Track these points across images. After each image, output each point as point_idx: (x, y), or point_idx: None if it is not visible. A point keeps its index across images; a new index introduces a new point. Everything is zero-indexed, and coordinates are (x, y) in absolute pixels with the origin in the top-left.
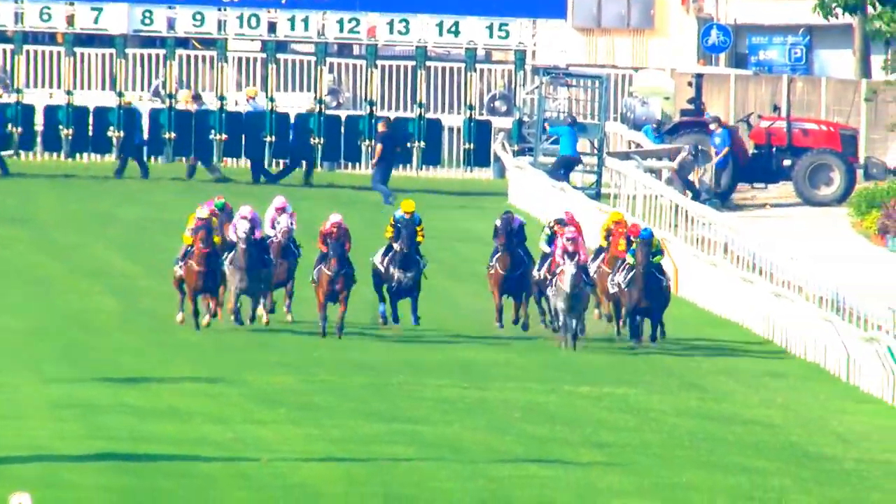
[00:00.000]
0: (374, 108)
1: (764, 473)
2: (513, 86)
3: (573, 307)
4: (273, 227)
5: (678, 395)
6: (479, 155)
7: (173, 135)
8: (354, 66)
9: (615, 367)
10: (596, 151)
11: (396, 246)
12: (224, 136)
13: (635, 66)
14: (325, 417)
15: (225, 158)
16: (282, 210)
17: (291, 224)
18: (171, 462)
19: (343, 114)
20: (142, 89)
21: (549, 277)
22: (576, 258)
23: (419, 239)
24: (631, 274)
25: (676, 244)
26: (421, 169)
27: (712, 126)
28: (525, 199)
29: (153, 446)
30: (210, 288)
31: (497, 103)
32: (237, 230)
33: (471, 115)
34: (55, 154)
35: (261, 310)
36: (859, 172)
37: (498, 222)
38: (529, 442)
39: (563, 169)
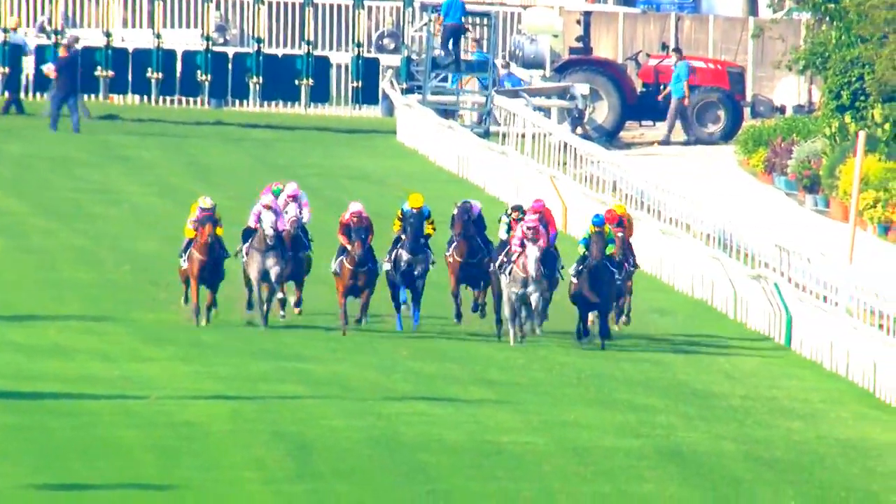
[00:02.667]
0: (261, 46)
1: (652, 410)
2: (401, 23)
3: (531, 296)
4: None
5: (566, 334)
6: (368, 93)
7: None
8: (242, 2)
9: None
10: (485, 90)
11: (404, 237)
12: (111, 73)
13: (524, 3)
14: (213, 355)
15: (111, 95)
16: (293, 198)
17: (300, 214)
18: (58, 400)
19: (230, 51)
20: (27, 25)
21: (504, 264)
22: (538, 243)
23: (429, 231)
24: (582, 265)
25: (565, 182)
26: (309, 106)
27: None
28: (413, 137)
29: (39, 384)
30: (211, 280)
31: (385, 41)
32: (262, 222)
33: (359, 52)
34: None
35: (280, 304)
36: (746, 110)
37: (455, 210)
38: (418, 380)
39: (451, 37)
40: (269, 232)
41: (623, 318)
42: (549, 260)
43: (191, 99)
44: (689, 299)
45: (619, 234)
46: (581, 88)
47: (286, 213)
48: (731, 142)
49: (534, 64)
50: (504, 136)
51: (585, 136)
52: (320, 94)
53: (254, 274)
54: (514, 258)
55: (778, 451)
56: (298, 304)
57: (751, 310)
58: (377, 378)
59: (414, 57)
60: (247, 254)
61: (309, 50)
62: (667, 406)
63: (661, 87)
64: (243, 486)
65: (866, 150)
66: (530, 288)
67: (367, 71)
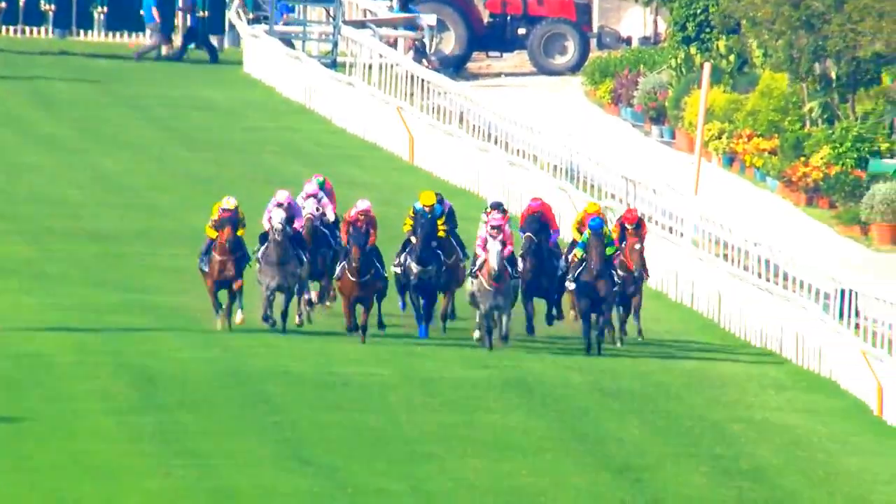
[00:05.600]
0: None
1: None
2: None
3: (498, 300)
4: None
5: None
6: (214, 23)
7: None
8: None
9: None
10: (332, 20)
11: (414, 240)
12: None
13: None
14: (58, 287)
15: None
16: (314, 196)
17: (318, 209)
18: None
19: None
20: None
21: (472, 267)
22: (500, 237)
23: (441, 234)
24: (580, 269)
25: (412, 113)
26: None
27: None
28: (260, 68)
29: None
30: (231, 281)
31: None
32: (272, 220)
33: None
34: None
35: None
36: (593, 41)
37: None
38: None
39: None
40: (278, 226)
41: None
42: (514, 265)
43: (34, 28)
44: None
45: (636, 246)
46: (428, 19)
47: (303, 208)
48: (578, 73)
49: None
50: (351, 66)
51: (432, 68)
52: (165, 25)
53: (267, 285)
54: (478, 265)
55: (624, 382)
56: (321, 299)
57: None
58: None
59: None
60: (261, 257)
61: None
62: (514, 337)
63: (508, 17)
64: (88, 418)
65: (711, 82)
66: (499, 300)
67: (214, 1)
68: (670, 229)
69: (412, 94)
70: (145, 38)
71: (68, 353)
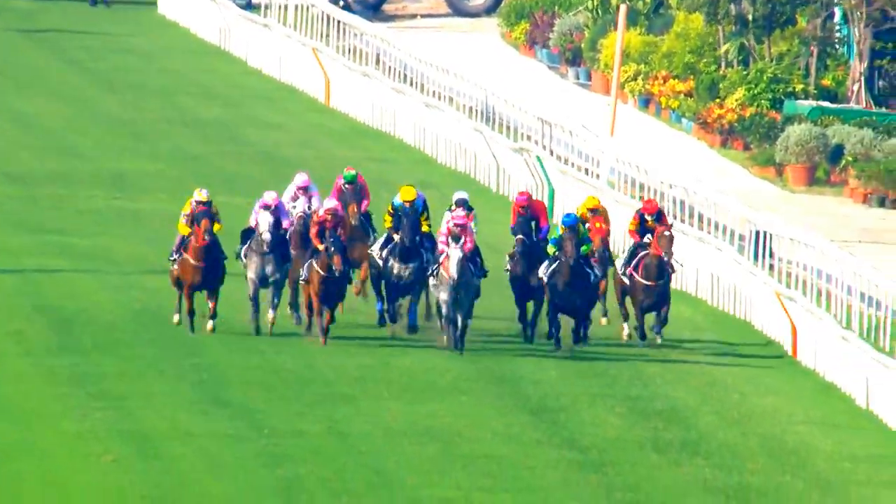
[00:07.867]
0: None
1: None
2: None
3: (460, 300)
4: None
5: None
6: None
7: None
8: None
9: None
10: None
11: (397, 237)
12: None
13: None
14: None
15: None
16: (304, 189)
17: (309, 207)
18: None
19: None
20: None
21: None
22: (461, 242)
23: (424, 229)
24: (554, 266)
25: (328, 55)
26: None
27: None
28: (175, 9)
29: None
30: (209, 285)
31: None
32: (259, 224)
33: None
34: None
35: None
36: None
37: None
38: None
39: None
40: (267, 237)
41: (657, 329)
42: (476, 262)
43: None
44: (451, 171)
45: (666, 233)
46: None
47: (294, 207)
48: (494, 15)
49: None
50: (266, 7)
51: (347, 9)
52: None
53: (251, 276)
54: (441, 259)
55: (540, 324)
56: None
57: (513, 182)
58: (142, 251)
59: None
60: (246, 256)
61: None
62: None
63: None
64: (5, 360)
65: (627, 24)
66: (460, 295)
67: None
68: (586, 171)
69: (328, 36)
70: None
71: None
